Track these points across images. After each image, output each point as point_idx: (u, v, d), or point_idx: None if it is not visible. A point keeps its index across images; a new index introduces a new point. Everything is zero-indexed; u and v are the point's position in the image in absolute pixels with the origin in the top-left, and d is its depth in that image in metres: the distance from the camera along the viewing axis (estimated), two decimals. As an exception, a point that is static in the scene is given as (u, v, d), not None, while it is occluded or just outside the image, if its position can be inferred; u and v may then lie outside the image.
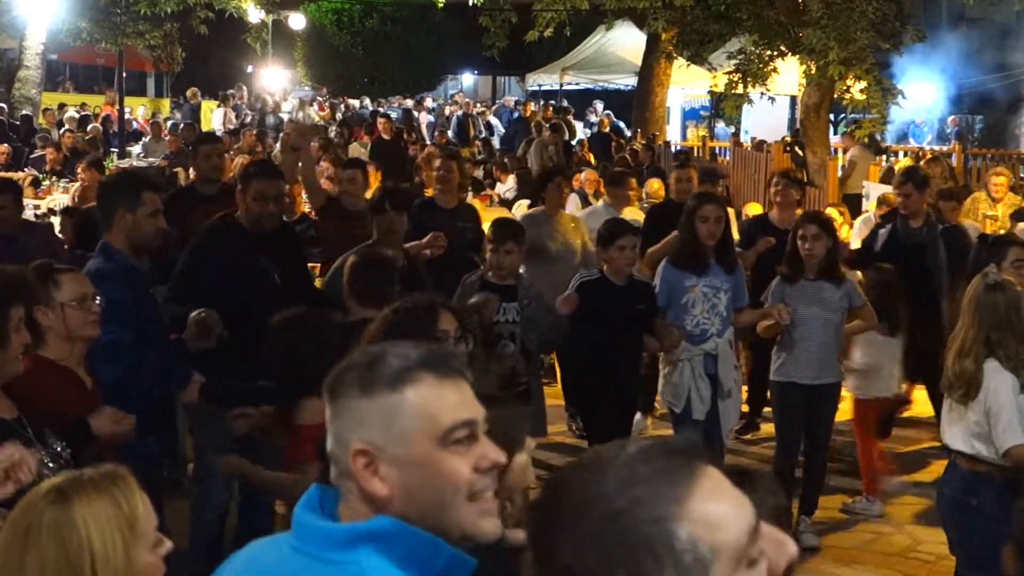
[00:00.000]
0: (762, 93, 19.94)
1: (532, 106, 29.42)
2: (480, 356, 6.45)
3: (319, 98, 34.06)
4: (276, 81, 36.38)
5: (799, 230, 7.61)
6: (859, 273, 9.85)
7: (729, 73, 20.04)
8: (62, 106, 29.00)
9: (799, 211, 9.23)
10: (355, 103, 31.95)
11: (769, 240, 8.76)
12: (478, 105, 35.00)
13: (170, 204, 7.63)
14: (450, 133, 27.35)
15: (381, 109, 30.59)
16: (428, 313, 4.23)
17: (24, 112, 26.36)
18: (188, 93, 30.80)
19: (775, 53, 19.23)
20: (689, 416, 7.49)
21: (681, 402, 7.48)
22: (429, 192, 10.44)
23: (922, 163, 18.02)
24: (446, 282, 7.00)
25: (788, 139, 21.35)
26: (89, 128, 23.22)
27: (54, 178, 16.94)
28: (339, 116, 28.79)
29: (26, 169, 18.23)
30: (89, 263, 5.74)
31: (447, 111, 32.03)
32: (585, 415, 8.11)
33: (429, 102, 32.88)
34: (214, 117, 29.08)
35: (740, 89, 19.81)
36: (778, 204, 9.46)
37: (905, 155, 20.69)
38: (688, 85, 28.81)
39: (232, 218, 6.64)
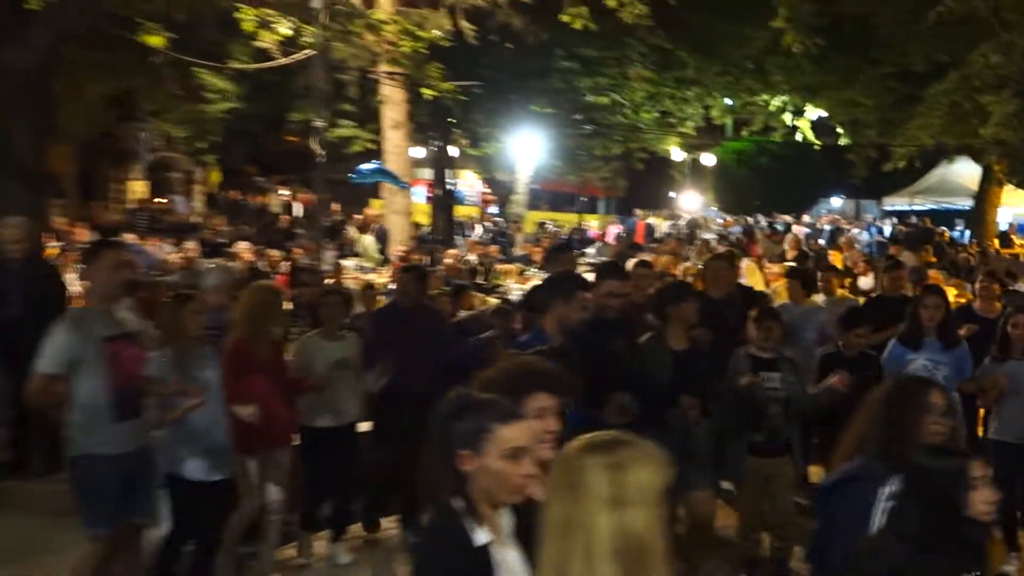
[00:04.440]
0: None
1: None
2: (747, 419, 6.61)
3: (726, 217, 35.07)
4: (692, 203, 36.77)
5: (1011, 319, 7.38)
6: None
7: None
8: (542, 224, 30.92)
9: None
10: (750, 220, 33.13)
11: (972, 327, 8.29)
12: (851, 222, 35.11)
13: None
14: (823, 241, 28.32)
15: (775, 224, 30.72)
16: (519, 386, 3.14)
17: (515, 223, 28.83)
18: (637, 213, 32.12)
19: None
20: None
21: None
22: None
23: None
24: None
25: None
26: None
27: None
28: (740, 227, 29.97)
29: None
30: (523, 337, 5.75)
31: (822, 224, 32.82)
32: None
33: (806, 218, 33.66)
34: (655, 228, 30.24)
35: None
36: (981, 297, 9.18)
37: None
38: (1016, 206, 28.46)
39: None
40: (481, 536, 2.74)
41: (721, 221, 32.40)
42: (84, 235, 18.09)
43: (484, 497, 2.76)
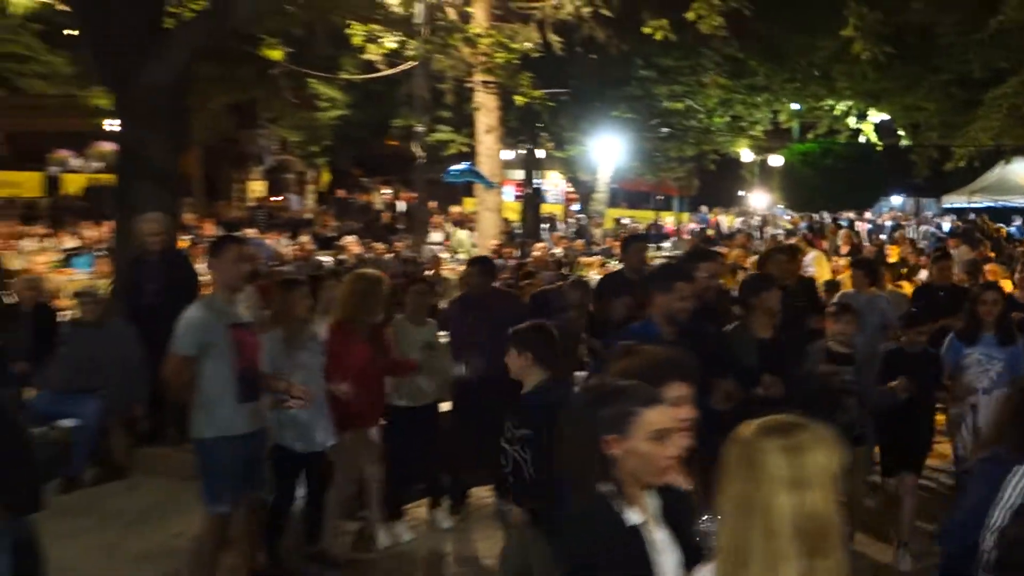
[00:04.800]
0: None
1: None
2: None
3: (793, 214, 34.64)
4: (760, 201, 36.60)
5: None
6: None
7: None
8: (618, 220, 30.50)
9: None
10: (816, 216, 32.68)
11: (1018, 314, 7.97)
12: (911, 219, 34.43)
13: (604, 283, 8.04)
14: (884, 236, 27.85)
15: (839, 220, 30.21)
16: (655, 375, 2.99)
17: (595, 220, 28.86)
18: (703, 209, 32.25)
19: None
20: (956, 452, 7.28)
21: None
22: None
23: None
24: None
25: None
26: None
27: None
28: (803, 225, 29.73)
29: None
30: (634, 326, 5.54)
31: (883, 220, 32.21)
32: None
33: (868, 215, 32.93)
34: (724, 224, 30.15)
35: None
36: (1021, 287, 9.10)
37: None
38: (1072, 202, 27.70)
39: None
40: (633, 516, 2.68)
41: (788, 218, 31.94)
42: (210, 230, 18.51)
43: (631, 480, 2.69)
